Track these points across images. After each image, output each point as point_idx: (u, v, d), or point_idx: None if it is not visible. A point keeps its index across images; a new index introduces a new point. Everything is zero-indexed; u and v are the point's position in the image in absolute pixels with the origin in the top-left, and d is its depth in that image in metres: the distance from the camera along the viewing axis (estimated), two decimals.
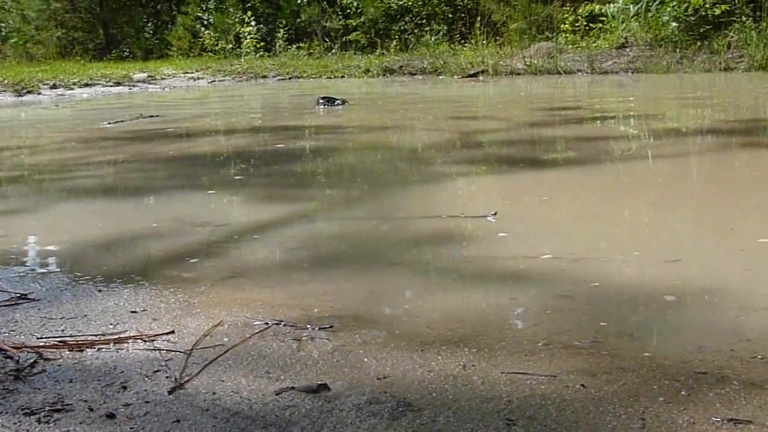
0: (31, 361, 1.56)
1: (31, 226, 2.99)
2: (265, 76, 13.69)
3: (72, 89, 11.41)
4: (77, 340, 1.67)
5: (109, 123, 6.52)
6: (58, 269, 2.30)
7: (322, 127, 6.39)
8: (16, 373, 1.50)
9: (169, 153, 4.94)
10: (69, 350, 1.61)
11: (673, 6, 11.97)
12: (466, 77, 12.05)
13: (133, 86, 11.98)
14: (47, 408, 1.35)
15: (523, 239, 2.47)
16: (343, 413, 1.31)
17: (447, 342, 1.61)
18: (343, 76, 13.29)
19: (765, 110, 6.94)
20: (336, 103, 7.66)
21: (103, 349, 1.62)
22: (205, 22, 18.19)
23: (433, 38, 15.09)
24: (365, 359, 1.53)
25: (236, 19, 17.53)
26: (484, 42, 13.80)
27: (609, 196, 3.29)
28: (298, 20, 17.07)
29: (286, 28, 16.95)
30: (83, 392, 1.41)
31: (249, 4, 17.68)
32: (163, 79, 12.96)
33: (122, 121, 6.41)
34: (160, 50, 18.66)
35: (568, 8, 13.88)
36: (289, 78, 13.48)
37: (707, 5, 11.69)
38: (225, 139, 5.85)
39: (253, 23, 17.12)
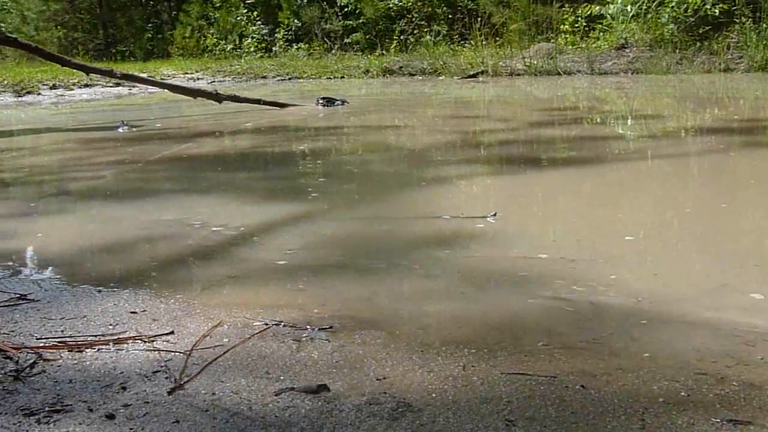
0: (31, 361, 1.56)
1: (30, 227, 2.99)
2: (264, 77, 13.69)
3: (72, 90, 11.39)
4: (77, 341, 1.67)
5: (117, 128, 6.51)
6: (58, 270, 2.30)
7: (322, 127, 6.39)
8: (15, 373, 1.50)
9: (169, 154, 4.94)
10: (68, 351, 1.61)
11: (672, 7, 11.96)
12: (466, 78, 12.04)
13: (133, 86, 11.96)
14: (47, 408, 1.35)
15: (524, 240, 2.47)
16: (342, 414, 1.31)
17: (447, 343, 1.61)
18: (342, 77, 13.29)
19: (766, 111, 6.94)
20: (336, 104, 7.66)
21: (103, 350, 1.62)
22: (206, 23, 18.18)
23: (432, 39, 15.07)
24: (365, 360, 1.53)
25: (238, 19, 17.53)
26: (483, 43, 13.78)
27: (609, 196, 3.30)
28: (297, 21, 17.06)
29: (286, 29, 16.95)
30: (83, 393, 1.41)
31: (249, 3, 17.67)
32: (163, 79, 12.94)
33: (119, 126, 6.41)
34: (161, 50, 18.66)
35: (568, 9, 13.86)
36: (289, 78, 13.47)
37: (707, 5, 11.69)
38: (224, 140, 5.84)
39: (257, 23, 17.12)
